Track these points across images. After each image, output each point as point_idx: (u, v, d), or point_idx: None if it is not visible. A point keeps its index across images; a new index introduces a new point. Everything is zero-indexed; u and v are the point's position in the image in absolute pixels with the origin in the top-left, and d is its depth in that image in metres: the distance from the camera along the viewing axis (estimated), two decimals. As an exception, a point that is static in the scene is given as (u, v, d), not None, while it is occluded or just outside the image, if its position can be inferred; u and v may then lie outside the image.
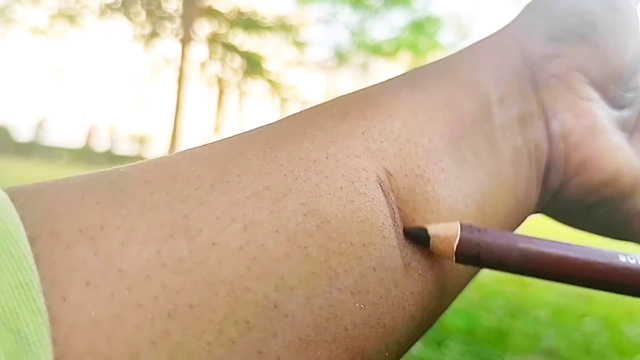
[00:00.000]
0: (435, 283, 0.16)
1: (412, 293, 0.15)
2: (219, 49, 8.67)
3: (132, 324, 0.11)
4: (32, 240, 0.11)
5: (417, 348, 1.63)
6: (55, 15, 7.48)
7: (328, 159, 0.15)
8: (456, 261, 0.16)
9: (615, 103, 0.21)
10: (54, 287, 0.11)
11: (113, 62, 10.38)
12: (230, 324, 0.12)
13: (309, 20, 9.47)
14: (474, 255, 0.15)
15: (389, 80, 0.19)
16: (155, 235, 0.12)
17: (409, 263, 0.15)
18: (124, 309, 0.11)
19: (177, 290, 0.12)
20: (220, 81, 9.75)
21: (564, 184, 0.20)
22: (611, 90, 0.21)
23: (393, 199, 0.16)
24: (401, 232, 0.16)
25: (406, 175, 0.16)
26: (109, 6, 7.50)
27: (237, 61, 8.86)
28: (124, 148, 10.27)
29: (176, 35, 7.68)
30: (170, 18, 7.77)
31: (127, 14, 7.65)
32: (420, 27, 8.47)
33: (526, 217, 0.21)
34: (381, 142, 0.16)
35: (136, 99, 11.46)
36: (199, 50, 8.33)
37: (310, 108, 0.18)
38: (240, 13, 8.16)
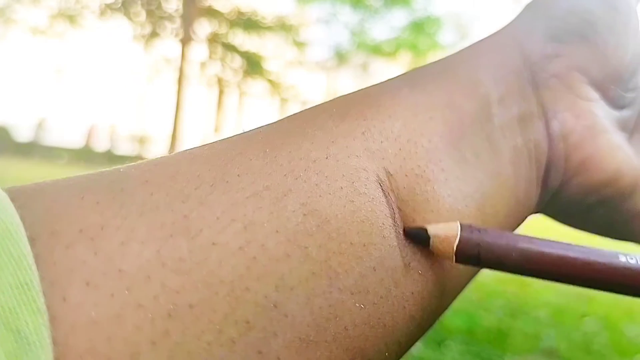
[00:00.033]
0: (435, 283, 0.16)
1: (412, 293, 0.15)
2: (219, 49, 8.67)
3: (132, 324, 0.11)
4: (32, 240, 0.11)
5: (417, 348, 1.63)
6: (55, 15, 7.48)
7: (328, 159, 0.15)
8: (456, 261, 0.16)
9: (615, 103, 0.21)
10: (54, 287, 0.11)
11: (113, 62, 10.38)
12: (230, 324, 0.12)
13: (309, 20, 9.47)
14: (474, 255, 0.15)
15: (389, 80, 0.19)
16: (155, 235, 0.12)
17: (409, 263, 0.15)
18: (124, 309, 0.11)
19: (177, 290, 0.12)
20: (220, 81, 9.75)
21: (564, 184, 0.20)
22: (611, 90, 0.21)
23: (393, 199, 0.16)
24: (401, 232, 0.16)
25: (406, 175, 0.16)
26: (109, 6, 7.50)
27: (237, 61, 8.86)
28: (124, 148, 10.27)
29: (176, 35, 7.68)
30: (170, 18, 7.77)
31: (127, 14, 7.65)
32: (420, 27, 8.47)
33: (526, 217, 0.21)
34: (381, 142, 0.16)
35: (136, 99, 11.46)
36: (199, 50, 8.34)
37: (310, 108, 0.18)
38: (240, 13, 8.16)
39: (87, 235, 0.12)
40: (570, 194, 0.20)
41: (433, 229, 0.15)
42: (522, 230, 0.21)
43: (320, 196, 0.14)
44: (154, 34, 7.86)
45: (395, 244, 0.15)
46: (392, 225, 0.15)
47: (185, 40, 7.35)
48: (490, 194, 0.18)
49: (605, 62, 0.20)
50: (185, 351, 0.12)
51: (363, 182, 0.15)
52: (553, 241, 0.16)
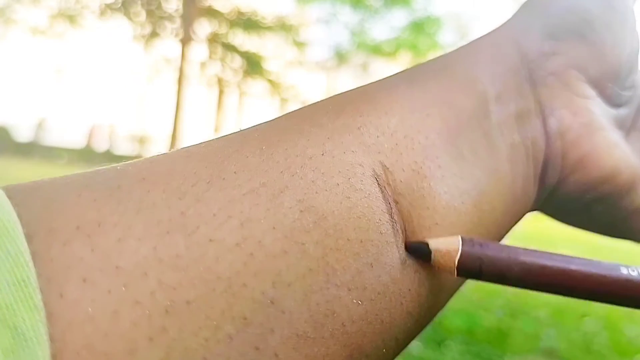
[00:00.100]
0: (433, 280, 0.16)
1: (410, 290, 0.15)
2: (219, 49, 8.67)
3: (129, 320, 0.11)
4: (29, 238, 0.11)
5: (417, 348, 1.63)
6: (55, 15, 7.48)
7: (324, 156, 0.15)
8: (457, 275, 0.16)
9: (613, 101, 0.21)
10: (51, 283, 0.11)
11: (113, 62, 10.38)
12: (228, 320, 0.12)
13: (309, 20, 9.46)
14: (476, 270, 0.15)
15: (386, 77, 0.19)
16: (152, 232, 0.12)
17: (406, 260, 0.15)
18: (121, 305, 0.11)
19: (174, 286, 0.12)
20: (220, 81, 9.74)
21: (562, 181, 0.20)
22: (608, 88, 0.21)
23: (389, 193, 0.16)
24: (398, 228, 0.16)
25: (403, 170, 0.16)
26: (109, 6, 7.50)
27: (237, 61, 8.86)
28: (124, 148, 10.27)
29: (176, 35, 7.69)
30: (170, 18, 7.77)
31: (127, 14, 7.65)
32: (420, 27, 8.47)
33: (523, 215, 0.21)
34: (377, 137, 0.16)
35: (136, 99, 11.46)
36: (199, 50, 8.34)
37: (307, 106, 0.18)
38: (240, 13, 8.16)
39: (84, 232, 0.12)
40: (567, 191, 0.20)
41: (434, 244, 0.15)
42: (520, 228, 0.21)
43: (316, 193, 0.14)
44: (154, 34, 7.86)
45: (392, 240, 0.15)
46: (389, 221, 0.15)
47: (185, 40, 7.35)
48: (487, 191, 0.18)
49: (602, 60, 0.21)
50: (182, 347, 0.12)
51: (359, 177, 0.15)
52: (554, 254, 0.16)
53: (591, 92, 0.20)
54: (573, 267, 0.15)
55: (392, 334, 0.15)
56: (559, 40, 0.20)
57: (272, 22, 8.33)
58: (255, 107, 12.20)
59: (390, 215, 0.15)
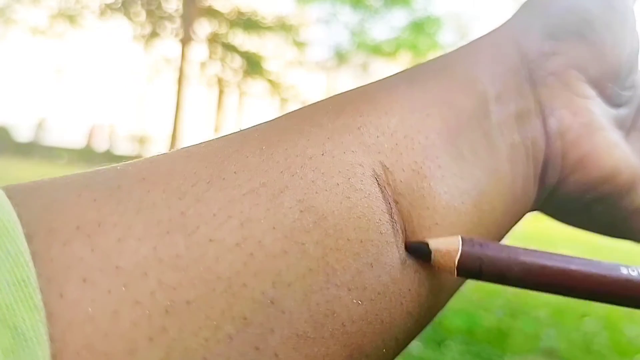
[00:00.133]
0: (432, 280, 0.16)
1: (410, 290, 0.15)
2: (219, 49, 8.67)
3: (129, 320, 0.11)
4: (29, 238, 0.11)
5: (417, 348, 1.63)
6: (55, 15, 7.48)
7: (324, 156, 0.15)
8: (457, 275, 0.16)
9: (612, 101, 0.21)
10: (51, 283, 0.11)
11: (113, 62, 10.38)
12: (228, 320, 0.12)
13: (309, 20, 9.46)
14: (476, 270, 0.15)
15: (386, 77, 0.19)
16: (152, 232, 0.12)
17: (406, 260, 0.15)
18: (121, 305, 0.11)
19: (174, 286, 0.12)
20: (220, 81, 9.74)
21: (562, 181, 0.20)
22: (608, 88, 0.21)
23: (389, 193, 0.16)
24: (398, 228, 0.16)
25: (403, 170, 0.16)
26: (109, 6, 7.50)
27: (237, 61, 8.86)
28: (124, 148, 10.27)
29: (176, 35, 7.69)
30: (170, 18, 7.77)
31: (127, 14, 7.65)
32: (420, 27, 8.47)
33: (523, 215, 0.21)
34: (377, 136, 0.16)
35: (136, 99, 11.46)
36: (199, 50, 8.34)
37: (307, 106, 0.18)
38: (240, 13, 8.16)
39: (84, 232, 0.12)
40: (567, 191, 0.20)
41: (434, 244, 0.15)
42: (520, 227, 0.21)
43: (316, 193, 0.14)
44: (154, 34, 7.86)
45: (392, 240, 0.15)
46: (388, 221, 0.15)
47: (185, 40, 7.35)
48: (487, 191, 0.18)
49: (602, 60, 0.21)
50: (182, 347, 0.12)
51: (359, 177, 0.15)
52: (554, 254, 0.16)
53: (591, 92, 0.20)
54: (573, 267, 0.15)
55: (392, 334, 0.15)
56: (559, 40, 0.20)
57: (272, 22, 8.33)
58: (255, 107, 12.20)
59: (390, 215, 0.15)
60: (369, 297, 0.14)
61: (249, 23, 8.16)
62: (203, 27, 8.15)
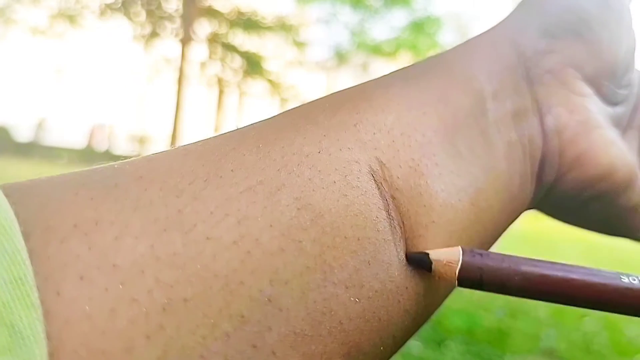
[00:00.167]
0: (430, 278, 0.16)
1: (407, 287, 0.15)
2: (219, 49, 8.66)
3: (126, 318, 0.11)
4: (26, 236, 0.11)
5: (417, 348, 1.63)
6: (55, 15, 7.47)
7: (320, 153, 0.15)
8: (458, 285, 0.16)
9: (609, 99, 0.21)
10: (48, 281, 0.11)
11: (113, 62, 10.38)
12: (225, 318, 0.12)
13: (309, 20, 9.46)
14: (477, 280, 0.15)
15: (383, 76, 0.19)
16: (149, 229, 0.12)
17: (403, 257, 0.16)
18: (118, 303, 0.11)
19: (171, 284, 0.12)
20: (220, 81, 9.74)
21: (559, 179, 0.20)
22: (605, 86, 0.21)
23: (386, 189, 0.16)
24: (396, 226, 0.16)
25: (400, 167, 0.16)
26: (109, 6, 7.50)
27: (237, 61, 8.86)
28: (124, 148, 10.27)
29: (176, 35, 7.68)
30: (170, 18, 7.77)
31: (127, 14, 7.65)
32: (420, 27, 8.46)
33: (521, 213, 0.21)
34: (374, 133, 0.16)
35: (136, 99, 11.46)
36: (199, 50, 8.33)
37: (304, 104, 0.18)
38: (240, 13, 8.16)
39: (81, 230, 0.12)
40: (565, 189, 0.20)
41: (435, 254, 0.16)
42: (519, 227, 0.21)
43: (313, 190, 0.14)
44: (154, 34, 7.85)
45: (390, 238, 0.15)
46: (386, 218, 0.15)
47: (185, 40, 7.35)
48: (484, 189, 0.18)
49: (599, 58, 0.21)
50: (179, 345, 0.12)
51: (355, 175, 0.15)
52: (555, 263, 0.16)
53: (588, 90, 0.21)
54: (574, 276, 0.15)
55: (389, 331, 0.15)
56: (555, 38, 0.20)
57: (272, 22, 8.32)
58: (255, 107, 12.20)
59: (388, 212, 0.15)
60: (367, 295, 0.14)
61: (249, 23, 8.16)
62: (203, 27, 8.15)
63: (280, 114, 0.17)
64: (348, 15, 8.96)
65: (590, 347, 1.88)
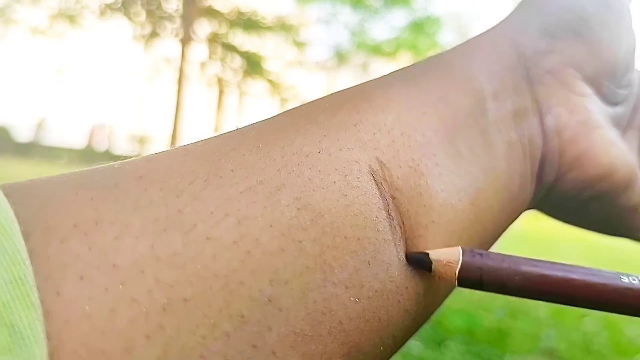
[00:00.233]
0: (430, 278, 0.16)
1: (407, 287, 0.15)
2: (219, 49, 8.66)
3: (126, 318, 0.11)
4: (26, 236, 0.11)
5: (417, 348, 1.63)
6: (55, 15, 7.47)
7: (320, 153, 0.15)
8: (458, 285, 0.16)
9: (609, 99, 0.22)
10: (48, 281, 0.11)
11: (113, 62, 10.38)
12: (225, 318, 0.12)
13: (309, 20, 9.46)
14: (477, 280, 0.15)
15: (383, 76, 0.19)
16: (149, 229, 0.12)
17: (403, 257, 0.16)
18: (118, 303, 0.11)
19: (171, 284, 0.12)
20: (220, 81, 9.74)
21: (559, 179, 0.20)
22: (604, 86, 0.21)
23: (386, 189, 0.16)
24: (396, 226, 0.16)
25: (400, 167, 0.16)
26: (109, 6, 7.50)
27: (237, 61, 8.85)
28: (124, 148, 10.28)
29: (176, 35, 7.68)
30: (170, 18, 7.77)
31: (127, 14, 7.65)
32: (420, 27, 8.46)
33: (521, 213, 0.21)
34: (374, 133, 0.16)
35: (136, 99, 11.46)
36: (199, 50, 8.33)
37: (304, 104, 0.18)
38: (240, 13, 8.15)
39: (81, 230, 0.12)
40: (565, 189, 0.20)
41: (435, 254, 0.16)
42: (519, 227, 0.21)
43: (313, 190, 0.14)
44: (154, 34, 7.85)
45: (390, 237, 0.15)
46: (386, 218, 0.15)
47: (185, 40, 7.35)
48: (484, 189, 0.18)
49: (598, 58, 0.21)
50: (179, 345, 0.12)
51: (355, 175, 0.15)
52: (555, 263, 0.16)
53: (588, 90, 0.21)
54: (574, 276, 0.15)
55: (389, 331, 0.15)
56: (555, 38, 0.20)
57: (272, 22, 8.32)
58: (255, 107, 12.20)
59: (388, 212, 0.15)
60: (367, 295, 0.14)
61: (249, 23, 8.16)
62: (203, 27, 8.15)
63: (280, 114, 0.17)
64: (348, 15, 8.96)
65: (590, 347, 1.88)
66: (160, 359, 0.11)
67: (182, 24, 7.53)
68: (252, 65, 8.72)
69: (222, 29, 8.41)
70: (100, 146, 10.29)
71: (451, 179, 0.17)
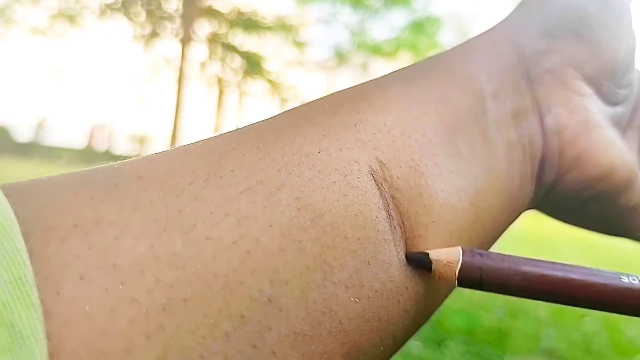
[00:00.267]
0: (430, 278, 0.16)
1: (407, 287, 0.16)
2: (219, 49, 8.66)
3: (126, 318, 0.11)
4: (26, 235, 0.11)
5: (417, 348, 1.63)
6: (55, 15, 7.47)
7: (320, 153, 0.15)
8: (458, 285, 0.16)
9: (609, 99, 0.22)
10: (48, 281, 0.11)
11: (113, 62, 10.38)
12: (225, 318, 0.12)
13: (309, 20, 9.46)
14: (477, 280, 0.15)
15: (383, 76, 0.19)
16: (149, 229, 0.12)
17: (403, 257, 0.16)
18: (118, 303, 0.11)
19: (171, 284, 0.12)
20: (220, 81, 9.74)
21: (559, 179, 0.20)
22: (604, 86, 0.21)
23: (386, 189, 0.16)
24: (396, 226, 0.16)
25: (400, 166, 0.16)
26: (109, 6, 7.50)
27: (237, 61, 8.86)
28: (124, 148, 10.28)
29: (176, 35, 7.68)
30: (170, 18, 7.77)
31: (127, 14, 7.65)
32: (420, 27, 8.46)
33: (521, 213, 0.21)
34: (374, 133, 0.16)
35: (136, 99, 11.46)
36: (199, 50, 8.34)
37: (304, 104, 0.18)
38: (240, 13, 8.15)
39: (81, 230, 0.12)
40: (565, 189, 0.20)
41: (435, 254, 0.16)
42: (519, 227, 0.21)
43: (313, 190, 0.14)
44: (154, 34, 7.85)
45: (390, 237, 0.15)
46: (386, 218, 0.15)
47: (185, 40, 7.35)
48: (484, 189, 0.18)
49: (598, 58, 0.21)
50: (179, 345, 0.12)
51: (355, 175, 0.15)
52: (555, 263, 0.16)
53: (588, 90, 0.21)
54: (574, 276, 0.15)
55: (389, 331, 0.15)
56: (555, 38, 0.20)
57: (272, 22, 8.32)
58: (255, 107, 12.20)
59: (388, 212, 0.15)
60: (367, 295, 0.14)
61: (249, 23, 8.16)
62: (203, 27, 8.15)
63: (280, 114, 0.17)
64: (348, 15, 8.96)
65: (590, 347, 1.88)
66: (160, 359, 0.11)
67: (182, 24, 7.54)
68: (252, 65, 8.72)
69: (222, 29, 8.41)
70: (100, 146, 10.29)
71: (451, 179, 0.17)
